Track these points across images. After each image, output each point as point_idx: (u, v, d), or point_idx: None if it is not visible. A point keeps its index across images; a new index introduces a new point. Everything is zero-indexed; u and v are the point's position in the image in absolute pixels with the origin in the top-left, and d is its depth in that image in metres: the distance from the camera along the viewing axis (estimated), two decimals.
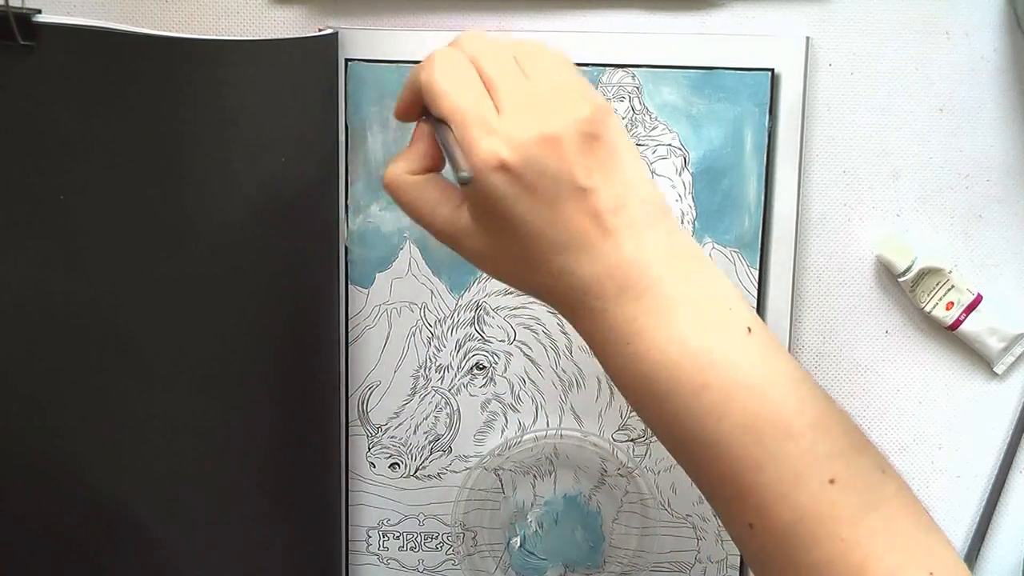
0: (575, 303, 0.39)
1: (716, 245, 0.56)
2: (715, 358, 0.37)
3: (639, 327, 0.37)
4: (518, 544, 0.60)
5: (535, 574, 0.60)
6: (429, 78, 0.38)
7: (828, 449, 0.36)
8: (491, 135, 0.36)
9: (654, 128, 0.56)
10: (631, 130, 0.56)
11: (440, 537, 0.60)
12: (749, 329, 0.38)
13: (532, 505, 0.60)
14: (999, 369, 0.58)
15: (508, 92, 0.37)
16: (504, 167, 0.36)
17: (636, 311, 0.37)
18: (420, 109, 0.41)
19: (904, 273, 0.56)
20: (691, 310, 0.37)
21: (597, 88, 0.55)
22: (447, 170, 0.41)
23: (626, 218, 0.37)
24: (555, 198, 0.37)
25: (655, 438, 0.58)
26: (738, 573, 0.60)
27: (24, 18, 0.51)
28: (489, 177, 0.36)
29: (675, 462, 0.58)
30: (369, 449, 0.59)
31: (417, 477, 0.60)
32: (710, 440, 0.37)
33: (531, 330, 0.58)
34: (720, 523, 0.59)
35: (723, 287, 0.39)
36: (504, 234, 0.38)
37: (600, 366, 0.39)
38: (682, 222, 0.56)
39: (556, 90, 0.38)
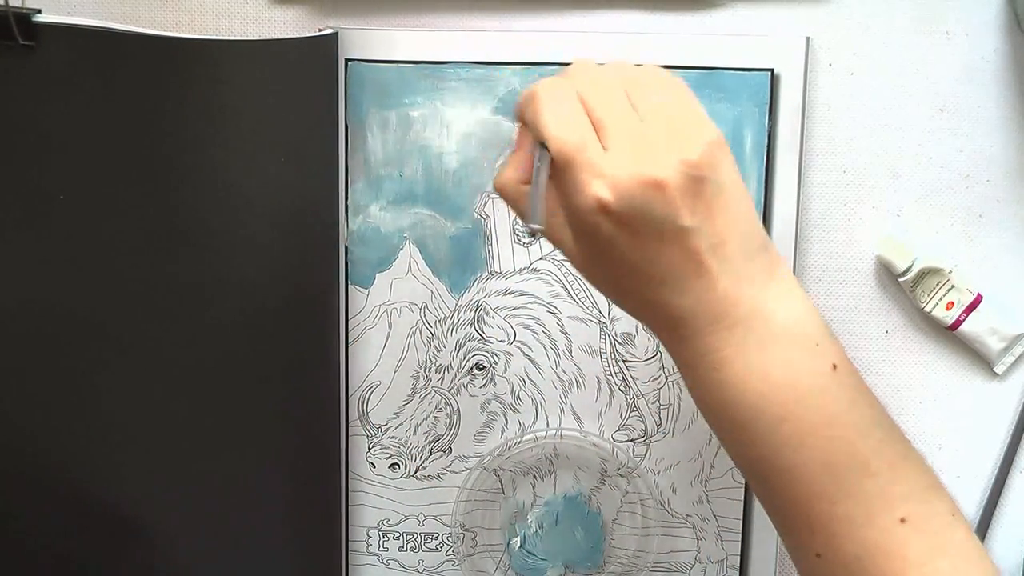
0: (666, 329, 0.39)
1: None
2: (798, 393, 0.37)
3: (725, 356, 0.38)
4: (518, 544, 0.60)
5: (535, 574, 0.60)
6: (535, 117, 0.38)
7: (903, 490, 0.37)
8: (596, 178, 0.36)
9: None
10: None
11: (440, 537, 0.60)
12: (834, 366, 0.38)
13: (532, 505, 0.60)
14: (999, 369, 0.58)
15: (616, 131, 0.37)
16: (606, 210, 0.36)
17: (724, 342, 0.38)
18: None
19: (904, 273, 0.56)
20: (779, 344, 0.38)
21: None
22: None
23: (724, 254, 0.37)
24: (655, 238, 0.37)
25: (655, 438, 0.58)
26: (738, 573, 0.60)
27: (24, 18, 0.51)
28: (591, 218, 0.37)
29: (675, 462, 0.59)
30: (369, 449, 0.59)
31: (417, 477, 0.59)
32: (786, 469, 0.37)
33: (531, 330, 0.58)
34: (719, 525, 0.59)
35: (813, 322, 0.39)
36: (602, 263, 0.39)
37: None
38: None
39: (666, 128, 0.37)
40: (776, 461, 0.37)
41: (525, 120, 0.39)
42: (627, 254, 0.37)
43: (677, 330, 0.39)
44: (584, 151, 0.36)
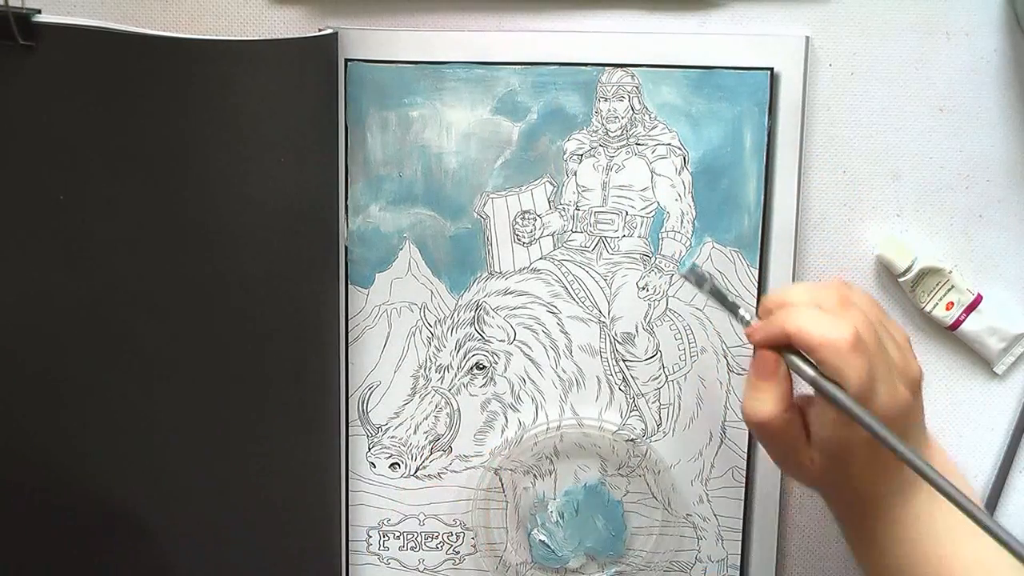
0: (861, 504, 0.47)
1: (716, 245, 0.56)
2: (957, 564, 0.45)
3: (916, 532, 0.46)
4: (539, 537, 0.60)
5: (557, 564, 0.60)
6: (846, 365, 0.42)
7: None
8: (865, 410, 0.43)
9: (654, 128, 0.56)
10: (631, 130, 0.56)
11: (440, 537, 0.60)
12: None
13: (553, 495, 0.60)
14: (999, 369, 0.58)
15: (881, 370, 0.43)
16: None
17: (920, 509, 0.46)
18: (777, 344, 0.45)
19: (904, 273, 0.56)
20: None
21: (596, 88, 0.56)
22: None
23: (923, 446, 0.47)
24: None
25: (655, 438, 0.58)
26: (738, 573, 0.60)
27: (24, 18, 0.51)
28: (856, 434, 0.44)
29: (675, 462, 0.59)
30: (369, 449, 0.59)
31: (417, 477, 0.60)
32: None
33: (531, 330, 0.58)
34: (719, 525, 0.59)
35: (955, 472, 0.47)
36: (847, 464, 0.45)
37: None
38: (681, 222, 0.56)
39: (903, 360, 0.45)
40: None
41: (799, 343, 0.44)
42: (871, 456, 0.45)
43: (870, 504, 0.47)
44: (864, 394, 0.43)
